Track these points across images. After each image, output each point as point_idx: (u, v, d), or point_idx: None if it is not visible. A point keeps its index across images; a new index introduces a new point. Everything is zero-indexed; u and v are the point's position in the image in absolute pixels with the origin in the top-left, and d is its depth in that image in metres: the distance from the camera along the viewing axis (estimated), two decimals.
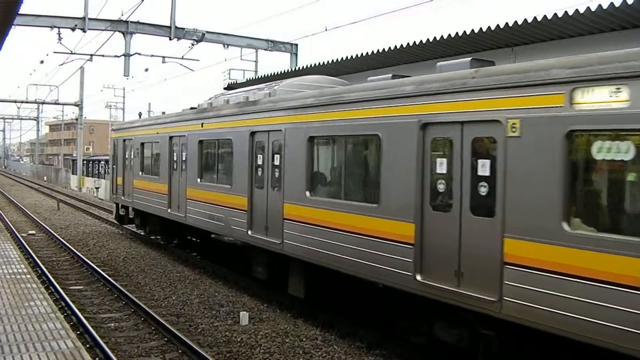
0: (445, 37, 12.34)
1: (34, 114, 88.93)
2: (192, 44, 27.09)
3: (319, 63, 17.09)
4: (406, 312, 9.04)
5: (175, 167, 16.70)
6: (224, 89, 23.40)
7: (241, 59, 29.07)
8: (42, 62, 36.53)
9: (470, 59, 8.63)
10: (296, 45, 28.80)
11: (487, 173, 7.38)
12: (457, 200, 7.70)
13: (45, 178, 70.98)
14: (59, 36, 26.31)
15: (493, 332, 7.49)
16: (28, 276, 12.68)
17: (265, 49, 28.98)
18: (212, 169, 14.89)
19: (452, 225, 7.75)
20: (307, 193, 10.61)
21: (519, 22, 10.74)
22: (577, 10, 9.78)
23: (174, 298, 13.22)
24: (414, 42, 13.12)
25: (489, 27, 11.32)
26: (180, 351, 9.68)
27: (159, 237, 20.08)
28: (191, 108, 17.33)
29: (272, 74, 19.74)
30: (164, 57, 28.63)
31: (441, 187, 8.03)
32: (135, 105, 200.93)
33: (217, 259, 16.57)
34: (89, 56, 29.61)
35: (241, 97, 13.84)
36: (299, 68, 19.31)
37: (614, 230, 6.20)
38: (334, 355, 9.50)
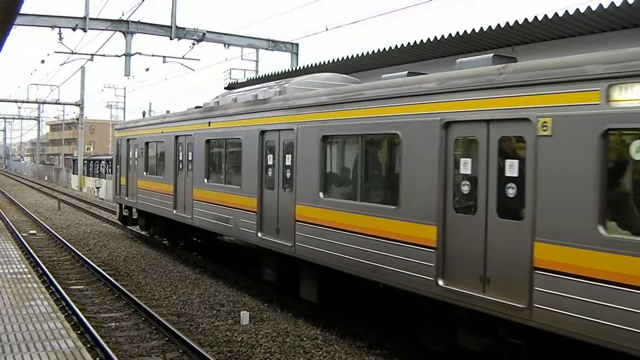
0: (445, 37, 12.24)
1: (34, 114, 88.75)
2: (193, 44, 27.04)
3: (319, 63, 16.90)
4: (427, 319, 8.71)
5: (181, 167, 16.37)
6: (225, 88, 23.35)
7: (242, 59, 28.99)
8: (43, 61, 36.28)
9: (492, 55, 8.32)
10: (297, 44, 28.68)
11: (515, 174, 7.05)
12: (483, 202, 7.37)
13: (46, 178, 70.96)
14: (60, 36, 26.29)
15: (522, 340, 7.16)
16: (29, 276, 12.65)
17: (266, 49, 28.92)
18: (220, 169, 14.55)
19: (476, 228, 7.41)
20: (321, 194, 10.27)
21: (520, 22, 10.63)
22: (577, 9, 9.67)
23: (174, 298, 13.17)
24: (414, 41, 13.05)
25: (489, 27, 11.23)
26: (180, 351, 9.63)
27: (163, 239, 19.77)
28: (196, 107, 17.00)
29: (272, 73, 19.60)
30: (164, 56, 28.64)
31: (465, 188, 7.69)
32: (136, 105, 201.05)
33: (225, 261, 16.26)
34: (90, 56, 29.54)
35: (250, 95, 13.51)
36: (298, 68, 19.13)
37: None
38: (334, 355, 9.44)
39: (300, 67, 18.86)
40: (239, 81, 23.56)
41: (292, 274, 11.55)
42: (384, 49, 13.88)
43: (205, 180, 14.77)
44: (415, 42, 12.96)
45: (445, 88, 7.95)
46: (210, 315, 11.69)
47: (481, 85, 7.45)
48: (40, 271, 15.20)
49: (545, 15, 10.12)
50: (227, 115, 13.85)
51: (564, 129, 6.50)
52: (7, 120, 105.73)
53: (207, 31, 27.24)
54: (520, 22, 10.61)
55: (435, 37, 12.48)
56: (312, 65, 17.32)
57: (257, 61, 29.86)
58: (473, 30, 11.56)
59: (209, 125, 14.66)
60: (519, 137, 7.07)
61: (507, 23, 10.84)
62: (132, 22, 26.18)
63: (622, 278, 5.92)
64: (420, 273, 8.08)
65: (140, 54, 27.93)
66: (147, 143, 19.19)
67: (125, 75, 27.74)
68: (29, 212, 30.73)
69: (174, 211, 16.50)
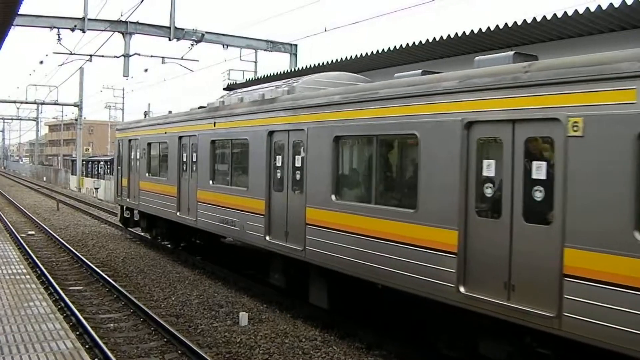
0: (444, 37, 12.13)
1: (33, 115, 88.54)
2: (192, 45, 26.98)
3: (319, 63, 16.66)
4: (446, 326, 8.38)
5: (185, 168, 16.03)
6: (224, 89, 23.19)
7: (241, 60, 28.91)
8: (41, 62, 36.25)
9: (513, 52, 8.04)
10: (296, 45, 28.61)
11: (542, 176, 6.73)
12: (507, 205, 7.05)
13: (44, 178, 70.77)
14: (59, 36, 26.16)
15: (549, 350, 6.84)
16: (27, 276, 12.59)
17: (264, 50, 28.84)
18: (226, 171, 14.20)
19: (501, 233, 7.09)
20: (333, 197, 9.93)
21: (519, 23, 10.53)
22: (576, 10, 9.56)
23: (173, 298, 13.07)
24: (413, 42, 12.96)
25: (488, 28, 11.12)
26: (179, 352, 9.59)
27: (165, 241, 19.43)
28: (199, 107, 16.66)
29: (272, 74, 19.37)
30: (163, 57, 28.55)
31: (488, 191, 7.37)
32: (134, 105, 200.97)
33: (224, 262, 15.97)
34: (89, 56, 29.47)
35: (257, 95, 13.18)
36: (298, 68, 18.88)
37: None
38: (333, 356, 9.39)
39: (302, 68, 18.56)
40: (237, 82, 23.41)
41: (301, 278, 11.22)
42: (394, 47, 13.62)
43: (210, 181, 14.43)
44: (428, 40, 12.71)
45: (467, 87, 7.63)
46: (209, 316, 11.62)
47: (506, 84, 7.13)
48: (39, 272, 15.15)
49: (544, 17, 10.05)
50: (234, 115, 13.52)
51: (596, 130, 6.19)
52: (5, 121, 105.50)
53: (206, 32, 27.20)
54: (520, 23, 10.53)
55: (435, 38, 12.38)
56: (317, 64, 17.01)
57: (255, 62, 29.86)
58: (472, 31, 11.53)
59: (214, 125, 14.33)
60: (546, 137, 6.76)
61: (506, 24, 10.79)
62: (130, 22, 26.08)
63: None
64: (441, 279, 7.75)
65: (139, 54, 27.89)
66: (149, 144, 18.83)
67: (124, 75, 27.69)
68: (27, 212, 30.59)
69: (178, 213, 16.16)
